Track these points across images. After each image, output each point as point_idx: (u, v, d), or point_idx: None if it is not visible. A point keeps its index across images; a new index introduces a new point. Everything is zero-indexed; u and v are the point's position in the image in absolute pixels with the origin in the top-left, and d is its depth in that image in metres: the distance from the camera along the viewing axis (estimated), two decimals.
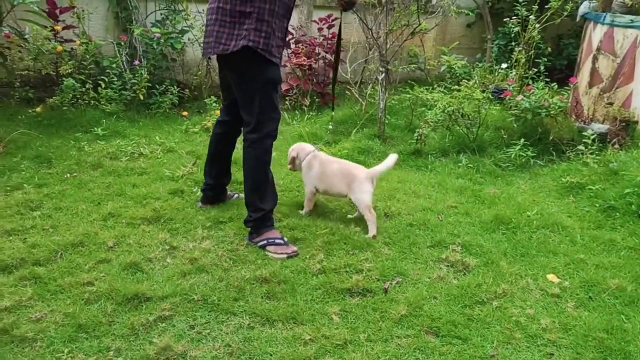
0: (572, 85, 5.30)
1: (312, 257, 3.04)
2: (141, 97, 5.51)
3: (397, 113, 5.71)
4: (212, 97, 5.59)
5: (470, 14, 7.11)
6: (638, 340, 2.46)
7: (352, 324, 2.52)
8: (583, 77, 5.33)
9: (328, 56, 6.24)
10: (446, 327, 2.50)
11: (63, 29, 5.47)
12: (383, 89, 5.05)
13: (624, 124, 4.65)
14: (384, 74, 5.04)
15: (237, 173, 4.08)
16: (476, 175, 4.41)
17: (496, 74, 6.19)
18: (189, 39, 6.04)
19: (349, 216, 3.56)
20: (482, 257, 3.13)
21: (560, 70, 7.27)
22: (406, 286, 2.83)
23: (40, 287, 2.66)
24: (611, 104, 4.97)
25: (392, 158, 3.45)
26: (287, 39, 3.34)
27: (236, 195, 3.76)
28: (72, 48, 5.47)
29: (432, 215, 3.63)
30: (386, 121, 5.23)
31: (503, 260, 3.10)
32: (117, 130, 4.97)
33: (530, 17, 5.78)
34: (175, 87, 5.74)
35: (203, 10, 5.80)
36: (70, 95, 5.15)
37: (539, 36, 5.81)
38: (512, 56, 5.92)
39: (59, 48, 5.26)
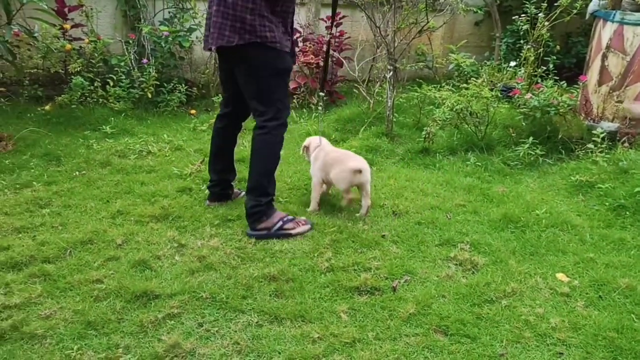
0: (581, 84, 5.26)
1: (320, 255, 3.04)
2: (149, 95, 5.53)
3: (405, 111, 5.69)
4: (220, 95, 5.59)
5: (479, 11, 7.07)
6: None
7: (361, 323, 2.51)
8: (592, 75, 5.30)
9: (336, 54, 6.23)
10: (455, 325, 2.49)
11: (72, 27, 5.49)
12: (391, 87, 5.04)
13: (633, 122, 4.61)
14: (391, 72, 5.03)
15: (245, 171, 4.08)
16: (484, 174, 4.39)
17: (504, 72, 6.16)
18: (196, 37, 6.04)
19: (357, 214, 3.55)
20: (490, 255, 3.12)
21: (569, 68, 7.23)
22: (415, 285, 2.82)
23: (50, 285, 2.67)
24: (621, 102, 4.94)
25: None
26: (293, 36, 3.37)
27: (243, 193, 3.76)
28: (80, 46, 5.49)
29: (441, 214, 3.62)
30: (394, 119, 5.22)
31: (512, 259, 3.08)
32: (126, 129, 4.98)
33: (540, 14, 5.75)
34: (183, 85, 5.75)
35: None
36: (79, 93, 5.17)
37: (548, 34, 5.78)
38: (521, 54, 5.89)
39: (68, 46, 5.28)
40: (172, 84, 5.71)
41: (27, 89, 5.34)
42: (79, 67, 5.26)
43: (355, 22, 7.01)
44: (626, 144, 4.54)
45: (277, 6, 3.13)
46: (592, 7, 5.46)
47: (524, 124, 4.94)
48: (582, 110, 5.28)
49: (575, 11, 5.69)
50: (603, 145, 4.37)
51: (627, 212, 3.65)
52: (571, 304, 2.71)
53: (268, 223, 3.24)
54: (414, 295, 2.71)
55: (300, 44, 6.32)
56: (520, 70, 5.83)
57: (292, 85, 6.09)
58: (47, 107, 5.16)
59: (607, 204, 3.77)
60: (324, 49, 6.19)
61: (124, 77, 5.43)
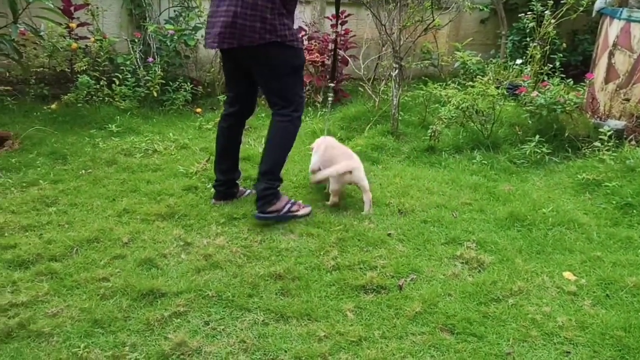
0: (587, 81, 5.24)
1: (326, 254, 3.03)
2: (155, 94, 5.53)
3: (411, 109, 5.68)
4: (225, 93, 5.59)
5: (485, 9, 7.06)
6: None
7: (367, 321, 2.51)
8: (599, 73, 5.28)
9: (341, 52, 6.23)
10: (461, 324, 2.48)
11: (77, 26, 5.50)
12: (396, 86, 5.03)
13: None
14: (397, 70, 5.02)
15: (251, 170, 4.09)
16: (490, 172, 4.37)
17: (510, 70, 6.14)
18: (202, 36, 6.03)
19: (362, 213, 3.55)
20: (497, 254, 3.11)
21: (576, 66, 7.19)
22: (421, 283, 2.82)
23: (56, 283, 2.68)
24: (628, 100, 4.92)
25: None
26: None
27: (248, 192, 3.76)
28: (86, 45, 5.50)
29: (447, 212, 3.61)
30: (399, 118, 5.21)
31: (518, 258, 3.07)
32: (131, 127, 4.99)
33: (546, 12, 5.73)
34: (189, 83, 5.75)
35: None
36: (85, 92, 5.18)
37: (554, 32, 5.76)
38: (527, 52, 5.87)
39: (74, 45, 5.29)
40: (177, 83, 5.71)
41: (33, 87, 5.35)
42: (85, 65, 5.27)
43: (360, 21, 6.99)
44: (633, 142, 4.52)
45: (291, 5, 3.21)
46: (598, 4, 5.43)
47: (530, 122, 4.92)
48: (588, 108, 5.26)
49: (581, 9, 5.67)
50: (610, 144, 4.35)
51: (634, 211, 3.63)
52: (578, 303, 2.70)
53: (278, 206, 3.35)
54: (420, 293, 2.71)
55: (306, 42, 6.32)
56: (526, 68, 5.81)
57: None
58: (53, 106, 5.17)
59: (614, 202, 3.75)
60: (330, 47, 6.19)
61: (129, 75, 5.44)
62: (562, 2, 5.70)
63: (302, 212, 3.45)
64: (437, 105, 5.38)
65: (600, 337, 2.44)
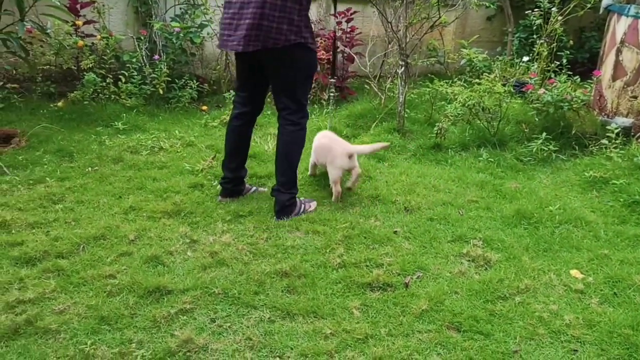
0: (595, 79, 5.21)
1: (332, 251, 3.03)
2: (161, 92, 5.54)
3: (417, 107, 5.67)
4: (231, 91, 5.59)
5: (491, 6, 7.03)
6: None
7: (373, 319, 2.51)
8: (606, 70, 5.25)
9: (347, 50, 6.21)
10: (468, 322, 2.48)
11: (84, 23, 5.51)
12: (402, 83, 5.02)
13: None
14: (403, 68, 5.01)
15: (257, 167, 4.10)
16: (497, 170, 4.36)
17: (517, 68, 6.12)
18: (207, 34, 6.05)
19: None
20: (503, 252, 3.10)
21: (582, 63, 7.16)
22: (427, 281, 2.81)
23: (63, 280, 2.68)
24: (635, 97, 4.89)
25: (380, 144, 3.82)
26: None
27: (254, 189, 3.76)
28: (92, 43, 5.51)
29: (453, 210, 3.60)
30: (406, 115, 5.20)
31: (525, 256, 3.06)
32: (137, 125, 5.00)
33: (553, 9, 5.70)
34: (194, 81, 5.76)
35: (222, 4, 5.79)
36: (91, 89, 5.19)
37: (561, 29, 5.73)
38: (534, 49, 5.84)
39: (80, 43, 5.30)
40: (183, 80, 5.72)
41: (39, 85, 5.37)
42: (91, 63, 5.28)
43: (366, 18, 6.98)
44: None
45: (310, 5, 3.26)
46: (606, 1, 5.40)
47: (536, 119, 4.91)
48: (596, 105, 5.23)
49: (589, 5, 5.64)
50: (617, 141, 4.33)
51: None
52: (585, 301, 2.69)
53: (295, 211, 3.44)
54: (427, 291, 2.70)
55: None
56: (533, 65, 5.79)
57: None
58: (59, 104, 5.18)
59: (621, 200, 3.73)
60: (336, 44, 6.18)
61: (135, 73, 5.45)
62: None
63: (312, 207, 3.54)
64: (443, 102, 5.37)
65: (608, 335, 2.42)
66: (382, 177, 4.12)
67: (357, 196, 3.75)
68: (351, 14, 6.23)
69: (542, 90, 4.84)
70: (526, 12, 6.27)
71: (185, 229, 3.22)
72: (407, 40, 5.11)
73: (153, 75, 5.53)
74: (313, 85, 6.13)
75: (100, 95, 5.26)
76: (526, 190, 3.92)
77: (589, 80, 5.40)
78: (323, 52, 6.08)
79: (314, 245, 3.10)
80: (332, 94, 4.21)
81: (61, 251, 2.91)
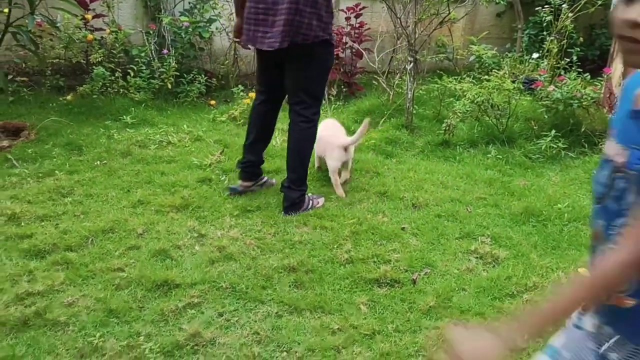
0: (605, 76, 5.18)
1: (340, 247, 3.03)
2: (169, 86, 5.54)
3: (425, 103, 5.65)
4: (240, 86, 5.60)
5: (501, 2, 6.99)
6: None
7: (380, 314, 2.51)
8: (616, 67, 5.21)
9: (355, 45, 6.20)
10: (475, 319, 2.48)
11: (93, 17, 5.51)
12: (411, 79, 5.00)
13: None
14: (412, 64, 4.99)
15: (265, 162, 4.09)
16: (505, 167, 4.34)
17: (526, 64, 6.09)
18: (216, 28, 6.05)
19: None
20: (511, 249, 3.09)
21: (593, 60, 7.12)
22: (434, 277, 2.81)
23: (72, 272, 2.70)
24: None
25: (364, 124, 3.72)
26: None
27: (265, 178, 3.76)
28: (102, 37, 5.52)
29: (461, 207, 3.59)
30: (414, 111, 5.19)
31: (533, 253, 3.05)
32: (146, 119, 5.01)
33: (563, 5, 5.66)
34: (203, 76, 5.76)
35: None
36: (100, 83, 5.20)
37: (572, 25, 5.69)
38: (544, 46, 5.81)
39: (90, 37, 5.31)
40: (191, 75, 5.72)
41: (49, 78, 5.38)
42: (100, 57, 5.29)
43: (375, 13, 6.95)
44: None
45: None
46: None
47: (546, 116, 4.88)
48: (605, 103, 5.20)
49: (599, 2, 5.60)
50: None
51: None
52: None
53: (303, 207, 3.44)
54: (434, 288, 2.70)
55: None
56: (542, 62, 5.76)
57: None
58: (68, 97, 5.20)
59: None
60: (344, 40, 6.17)
61: (144, 67, 5.45)
62: None
63: (320, 203, 3.54)
64: (451, 99, 5.35)
65: None
66: (390, 173, 4.12)
67: (364, 192, 3.75)
68: (360, 10, 6.22)
69: (551, 87, 4.82)
70: (536, 8, 6.23)
71: (193, 223, 3.23)
72: (416, 36, 5.09)
73: (161, 69, 5.53)
74: None
75: (108, 89, 5.27)
76: (535, 188, 3.90)
77: (599, 78, 5.37)
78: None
79: (321, 241, 3.10)
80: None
81: (70, 244, 2.93)
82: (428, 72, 6.74)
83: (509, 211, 3.54)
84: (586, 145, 4.62)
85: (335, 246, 3.05)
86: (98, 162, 4.06)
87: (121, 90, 5.31)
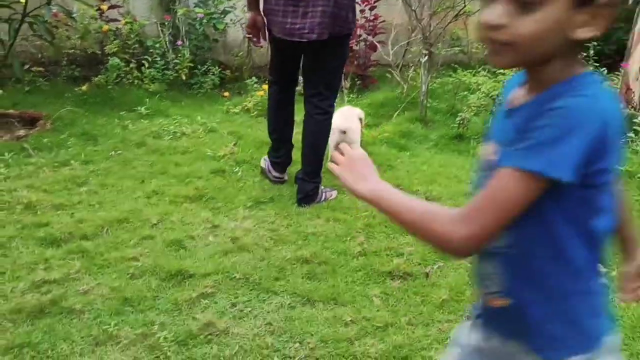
0: (622, 71, 5.12)
1: (353, 239, 3.04)
2: (183, 77, 5.57)
3: (439, 97, 5.63)
4: (253, 77, 5.60)
5: None
6: None
7: (393, 307, 2.51)
8: (634, 62, 5.15)
9: (370, 38, 6.17)
10: None
11: (108, 8, 5.53)
12: (425, 72, 4.98)
13: None
14: (426, 57, 4.97)
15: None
16: None
17: None
18: (231, 20, 6.04)
19: None
20: None
21: (609, 55, 7.03)
22: (447, 271, 2.80)
23: (87, 261, 2.72)
24: None
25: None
26: None
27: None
28: (117, 27, 5.55)
29: None
30: (428, 105, 5.16)
31: None
32: (160, 110, 5.03)
33: None
34: (217, 67, 5.77)
35: None
36: (115, 74, 5.23)
37: None
38: None
39: (105, 27, 5.34)
40: (205, 66, 5.73)
41: (64, 69, 5.42)
42: (116, 48, 5.32)
43: (390, 6, 6.90)
44: None
45: None
46: None
47: None
48: (622, 98, 5.15)
49: None
50: None
51: None
52: (609, 295, 2.65)
53: (317, 199, 3.45)
54: (447, 281, 2.69)
55: None
56: None
57: None
58: (83, 88, 5.23)
59: None
60: (358, 32, 6.14)
61: (158, 58, 5.48)
62: None
63: (333, 196, 3.54)
64: (466, 92, 5.31)
65: (632, 330, 2.40)
66: (403, 166, 4.11)
67: None
68: (375, 2, 6.18)
69: None
70: None
71: (207, 214, 3.24)
72: (431, 29, 5.06)
73: (176, 60, 5.55)
74: None
75: (123, 79, 5.30)
76: None
77: (616, 73, 5.31)
78: None
79: (334, 233, 3.10)
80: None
81: (85, 233, 2.95)
82: (442, 65, 6.69)
83: None
84: None
85: (348, 238, 3.05)
86: (113, 153, 4.08)
87: (136, 81, 5.34)
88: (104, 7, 5.49)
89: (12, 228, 2.97)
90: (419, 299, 2.57)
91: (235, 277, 2.66)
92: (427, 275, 2.75)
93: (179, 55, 5.55)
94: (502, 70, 4.89)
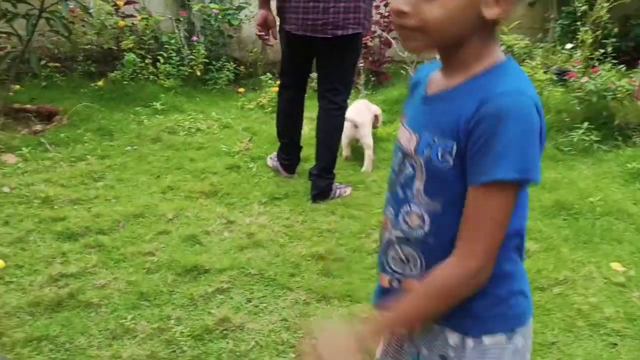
0: None
1: (368, 236, 3.03)
2: (198, 73, 5.58)
3: None
4: (268, 74, 5.60)
5: None
6: None
7: None
8: None
9: (384, 34, 6.15)
10: None
11: (124, 4, 5.56)
12: None
13: None
14: None
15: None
16: None
17: (559, 55, 5.97)
18: (245, 16, 6.04)
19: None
20: (542, 242, 3.05)
21: (627, 52, 6.95)
22: None
23: (104, 255, 2.74)
24: None
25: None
26: None
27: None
28: (132, 23, 5.57)
29: None
30: None
31: (564, 247, 3.01)
32: (175, 105, 5.04)
33: None
34: (232, 63, 5.78)
35: None
36: (131, 70, 5.25)
37: (607, 16, 5.56)
38: (577, 36, 5.69)
39: (121, 23, 5.36)
40: (220, 62, 5.74)
41: (81, 64, 5.45)
42: (131, 44, 5.34)
43: None
44: None
45: None
46: None
47: (578, 108, 4.79)
48: None
49: None
50: None
51: None
52: (626, 294, 2.63)
53: (333, 193, 3.45)
54: None
55: None
56: (576, 53, 5.64)
57: None
58: (99, 83, 5.26)
59: None
60: (373, 28, 6.11)
61: (174, 54, 5.49)
62: None
63: (347, 192, 3.55)
64: None
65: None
66: None
67: None
68: None
69: (585, 79, 4.72)
70: None
71: (222, 209, 3.25)
72: None
73: (191, 56, 5.56)
74: None
75: (139, 75, 5.32)
76: (566, 181, 3.84)
77: (635, 70, 5.24)
78: None
79: (349, 230, 3.10)
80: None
81: (102, 227, 2.97)
82: None
83: (540, 204, 3.49)
84: (620, 139, 4.52)
85: (363, 235, 3.04)
86: (129, 148, 4.10)
87: (151, 76, 5.35)
88: (120, 2, 5.51)
89: (30, 222, 3.00)
90: None
91: (250, 272, 2.67)
92: None
93: (194, 51, 5.57)
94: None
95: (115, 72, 5.28)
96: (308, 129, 4.46)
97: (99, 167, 3.73)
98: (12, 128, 4.31)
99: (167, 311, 2.38)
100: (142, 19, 5.51)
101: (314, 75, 3.92)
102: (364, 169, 3.90)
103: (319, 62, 3.40)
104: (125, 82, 5.23)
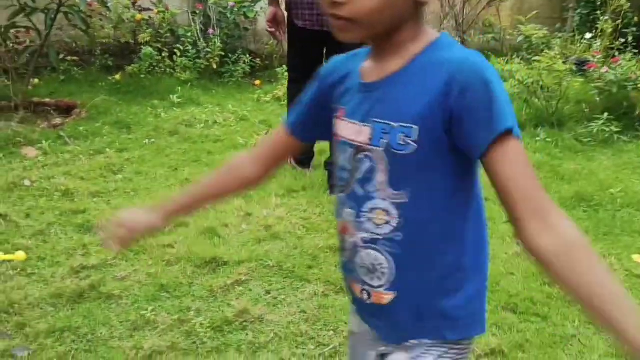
0: None
1: None
2: (214, 66, 5.60)
3: None
4: (283, 66, 5.59)
5: None
6: None
7: None
8: None
9: None
10: (524, 304, 2.44)
11: None
12: None
13: None
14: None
15: None
16: (555, 150, 4.24)
17: (578, 45, 5.90)
18: (261, 8, 6.04)
19: None
20: None
21: None
22: None
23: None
24: None
25: None
26: None
27: None
28: (149, 17, 5.59)
29: None
30: None
31: None
32: (192, 98, 5.07)
33: None
34: (247, 56, 5.78)
35: None
36: (148, 63, 5.28)
37: (627, 5, 5.48)
38: (597, 26, 5.61)
39: (138, 17, 5.39)
40: (236, 55, 5.76)
41: (98, 58, 5.50)
42: (148, 37, 5.37)
43: None
44: None
45: None
46: None
47: (598, 99, 4.73)
48: None
49: None
50: None
51: None
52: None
53: None
54: None
55: None
56: (595, 43, 5.57)
57: None
58: (117, 77, 5.30)
59: None
60: None
61: (190, 47, 5.52)
62: None
63: None
64: None
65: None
66: None
67: None
68: None
69: (605, 69, 4.66)
70: None
71: (240, 202, 3.26)
72: (464, 16, 4.99)
73: (207, 49, 5.58)
74: None
75: (156, 68, 5.35)
76: (586, 172, 3.80)
77: None
78: None
79: None
80: None
81: None
82: None
83: (559, 195, 3.46)
84: None
85: None
86: (146, 141, 4.13)
87: (168, 70, 5.39)
88: None
89: (51, 215, 3.03)
90: None
91: (268, 264, 2.68)
92: None
93: (210, 44, 5.58)
94: (537, 58, 4.80)
95: (132, 65, 5.32)
96: None
97: (118, 160, 3.77)
98: (32, 122, 4.36)
99: (187, 303, 2.40)
100: (159, 12, 5.54)
101: None
102: None
103: (329, 55, 3.39)
104: (142, 76, 5.27)
